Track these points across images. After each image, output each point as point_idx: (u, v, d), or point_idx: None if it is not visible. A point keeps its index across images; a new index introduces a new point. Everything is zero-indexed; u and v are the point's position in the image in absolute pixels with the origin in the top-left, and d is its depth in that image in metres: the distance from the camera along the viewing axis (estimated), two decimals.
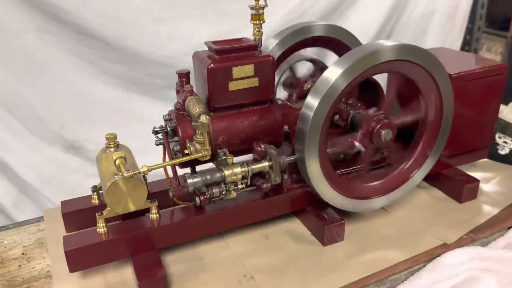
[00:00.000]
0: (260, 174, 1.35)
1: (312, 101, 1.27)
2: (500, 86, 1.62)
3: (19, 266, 1.39)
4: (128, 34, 1.86)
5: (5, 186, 1.81)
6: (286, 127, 1.39)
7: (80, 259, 1.23)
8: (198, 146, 1.22)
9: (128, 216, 1.31)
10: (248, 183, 1.33)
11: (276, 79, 1.63)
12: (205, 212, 1.35)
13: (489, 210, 1.60)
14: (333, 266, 1.35)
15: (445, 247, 1.44)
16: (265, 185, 1.32)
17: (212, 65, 1.24)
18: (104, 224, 1.27)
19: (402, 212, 1.59)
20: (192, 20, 1.97)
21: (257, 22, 1.32)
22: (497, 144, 2.16)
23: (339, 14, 2.18)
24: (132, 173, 1.14)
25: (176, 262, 1.38)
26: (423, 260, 1.41)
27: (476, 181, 1.63)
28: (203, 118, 1.14)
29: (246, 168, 1.29)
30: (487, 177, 1.79)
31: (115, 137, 1.36)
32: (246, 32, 1.82)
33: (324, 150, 1.33)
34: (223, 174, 1.27)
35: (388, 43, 1.28)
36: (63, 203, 1.46)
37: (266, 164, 1.32)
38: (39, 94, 1.84)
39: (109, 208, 1.24)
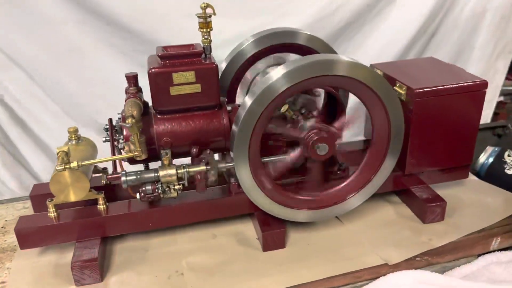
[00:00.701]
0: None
1: (247, 100, 1.29)
2: (479, 104, 1.52)
3: None
4: (158, 28, 1.95)
5: (46, 163, 2.02)
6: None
7: (29, 238, 1.38)
8: (132, 146, 1.30)
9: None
10: (186, 184, 1.38)
11: (250, 78, 1.67)
12: (148, 208, 1.43)
13: (454, 234, 1.51)
14: (265, 271, 1.37)
15: (394, 267, 1.40)
16: (199, 177, 1.36)
17: (152, 69, 1.31)
18: (54, 209, 1.40)
19: (356, 226, 1.56)
20: (222, 15, 2.04)
21: (205, 30, 1.36)
22: (505, 162, 2.00)
23: (376, 12, 2.10)
24: (63, 167, 1.25)
25: (122, 251, 1.48)
26: (366, 277, 1.38)
27: (442, 201, 1.54)
28: (128, 121, 1.22)
29: (182, 170, 1.35)
30: (468, 199, 1.69)
31: (76, 130, 1.49)
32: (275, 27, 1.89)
33: (256, 154, 1.34)
34: (158, 174, 1.34)
35: (338, 57, 1.28)
36: (35, 186, 1.62)
37: (203, 168, 1.37)
38: (76, 81, 2.00)
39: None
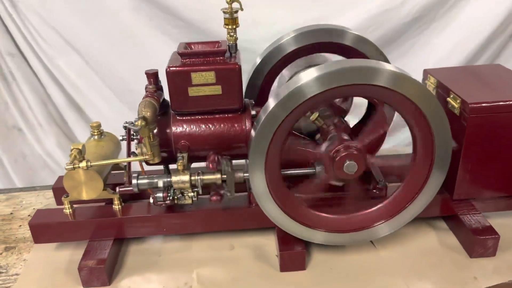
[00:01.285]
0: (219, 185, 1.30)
1: (270, 102, 1.16)
2: None
3: (20, 226, 1.59)
4: (211, 17, 1.90)
5: None
6: None
7: (43, 233, 1.36)
8: (144, 149, 1.22)
9: None
10: (200, 192, 1.29)
11: (287, 76, 1.54)
12: (163, 212, 1.36)
13: (506, 274, 1.29)
14: None
15: None
16: (214, 198, 1.27)
17: (170, 68, 1.22)
18: (69, 206, 1.37)
19: (391, 252, 1.38)
20: (279, 6, 1.96)
21: (230, 26, 1.24)
22: None
23: (448, 7, 1.90)
24: (72, 167, 1.20)
25: (136, 253, 1.43)
26: None
27: (495, 234, 1.33)
28: (137, 124, 1.14)
29: (196, 177, 1.26)
30: None
31: (99, 125, 1.45)
32: (334, 19, 1.75)
33: (275, 162, 1.21)
34: (170, 180, 1.26)
35: (379, 65, 1.11)
36: (59, 177, 1.60)
37: (218, 176, 1.26)
38: (128, 67, 2.01)
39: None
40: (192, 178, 1.26)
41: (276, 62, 1.51)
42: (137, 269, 1.37)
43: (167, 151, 1.30)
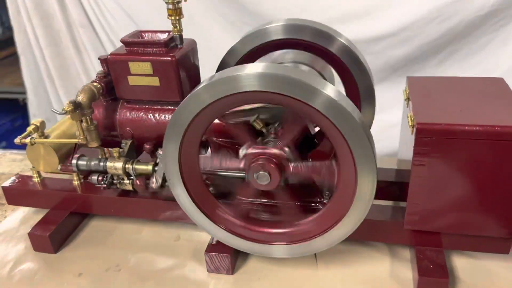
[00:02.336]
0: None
1: (201, 83, 1.05)
2: None
3: None
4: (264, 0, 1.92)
5: None
6: None
7: (13, 196, 1.49)
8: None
9: None
10: (135, 181, 1.31)
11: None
12: (114, 195, 1.40)
13: None
14: None
15: None
16: (138, 182, 1.27)
17: (110, 56, 1.24)
18: (37, 175, 1.48)
19: (329, 273, 1.27)
20: None
21: (173, 17, 1.21)
22: None
23: None
24: (19, 140, 1.29)
25: (92, 228, 1.50)
26: None
27: (444, 277, 1.14)
28: (65, 108, 1.18)
29: (129, 166, 1.28)
30: (502, 280, 1.22)
31: None
32: (396, 7, 1.63)
33: (192, 151, 1.16)
34: (105, 164, 1.29)
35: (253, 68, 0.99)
36: None
37: (149, 167, 1.27)
38: None
39: None
40: (126, 166, 1.28)
41: (256, 47, 1.38)
42: (86, 243, 1.44)
43: (113, 136, 1.33)
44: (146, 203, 1.38)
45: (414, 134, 1.06)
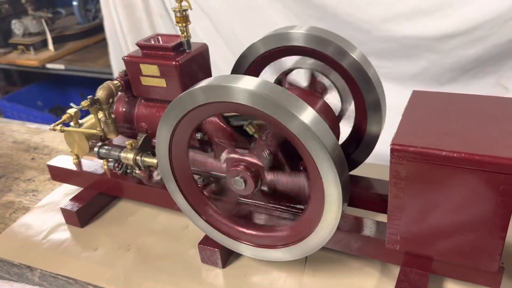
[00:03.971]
0: None
1: (198, 84, 1.12)
2: (508, 194, 0.97)
3: None
4: None
5: None
6: (199, 134, 1.36)
7: (56, 173, 1.71)
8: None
9: None
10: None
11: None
12: (134, 182, 1.55)
13: None
14: (188, 284, 1.34)
15: None
16: (141, 172, 1.39)
17: (125, 57, 1.36)
18: (75, 157, 1.68)
19: (313, 282, 1.29)
20: None
21: (181, 25, 1.29)
22: None
23: None
24: (52, 127, 1.48)
25: (118, 209, 1.67)
26: None
27: None
28: (82, 104, 1.33)
29: (139, 157, 1.40)
30: None
31: None
32: (456, 6, 1.61)
33: (183, 145, 1.23)
34: (120, 155, 1.43)
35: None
36: None
37: (155, 160, 1.38)
38: (249, 36, 2.24)
39: None
40: (136, 157, 1.40)
41: (276, 48, 1.37)
42: (110, 222, 1.61)
43: (133, 129, 1.47)
44: (159, 193, 1.49)
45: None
